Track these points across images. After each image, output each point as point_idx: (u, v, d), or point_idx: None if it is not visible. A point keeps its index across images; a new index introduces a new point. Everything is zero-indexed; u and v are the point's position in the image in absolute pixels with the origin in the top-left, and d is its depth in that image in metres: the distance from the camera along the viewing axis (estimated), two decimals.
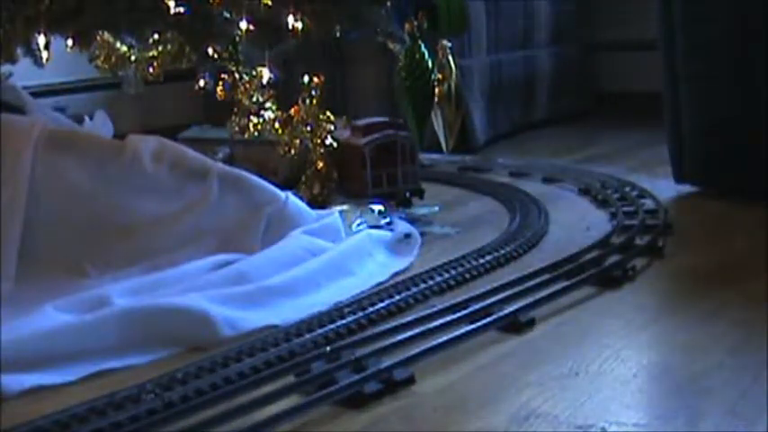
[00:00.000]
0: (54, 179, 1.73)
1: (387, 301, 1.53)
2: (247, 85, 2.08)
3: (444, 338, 1.36)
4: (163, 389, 1.19)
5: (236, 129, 2.13)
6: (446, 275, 1.66)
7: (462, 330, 1.39)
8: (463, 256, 1.77)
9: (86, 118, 2.28)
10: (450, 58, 2.07)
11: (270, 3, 1.93)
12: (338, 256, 1.70)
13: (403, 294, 1.57)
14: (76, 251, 1.70)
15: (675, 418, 1.14)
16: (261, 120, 2.10)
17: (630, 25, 3.70)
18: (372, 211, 1.98)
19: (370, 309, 1.50)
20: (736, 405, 1.16)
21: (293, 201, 1.83)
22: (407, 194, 2.16)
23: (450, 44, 2.08)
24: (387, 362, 1.26)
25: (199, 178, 1.79)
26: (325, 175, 2.13)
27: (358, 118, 2.27)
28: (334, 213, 1.90)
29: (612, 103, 3.85)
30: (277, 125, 2.10)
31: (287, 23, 1.95)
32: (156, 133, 1.88)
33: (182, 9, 1.93)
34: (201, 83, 2.17)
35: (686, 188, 2.32)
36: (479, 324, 1.41)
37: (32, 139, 1.73)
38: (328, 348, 1.32)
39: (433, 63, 2.03)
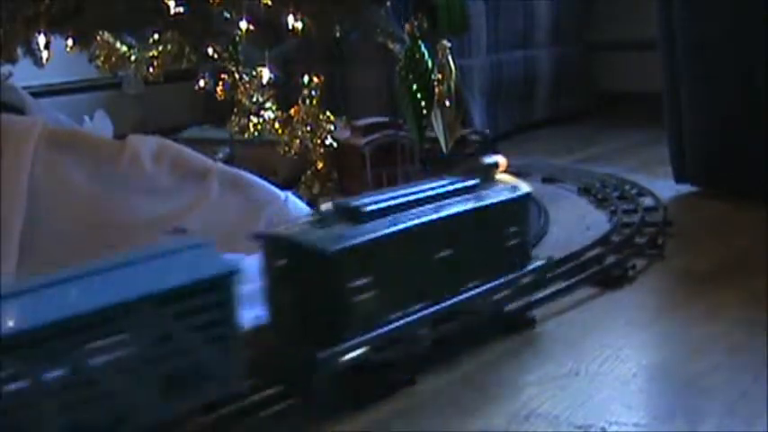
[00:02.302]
0: (54, 179, 1.73)
1: None
2: (247, 85, 2.08)
3: (445, 338, 1.36)
4: None
5: (236, 129, 2.13)
6: None
7: (462, 330, 1.39)
8: None
9: (86, 118, 2.28)
10: (450, 58, 2.07)
11: (270, 3, 1.93)
12: None
13: None
14: (76, 251, 1.70)
15: (675, 418, 1.14)
16: (261, 120, 2.10)
17: (630, 25, 3.70)
18: None
19: None
20: (735, 405, 1.16)
21: (293, 201, 1.83)
22: None
23: (450, 44, 2.08)
24: (387, 361, 1.26)
25: (199, 178, 1.79)
26: (325, 175, 2.13)
27: (358, 118, 2.27)
28: None
29: (612, 103, 3.85)
30: (277, 125, 2.10)
31: (287, 23, 1.95)
32: (156, 133, 1.88)
33: (182, 9, 1.93)
34: (201, 83, 2.17)
35: (686, 188, 2.32)
36: (479, 324, 1.41)
37: (33, 139, 1.73)
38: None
39: (433, 63, 2.03)
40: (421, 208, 1.29)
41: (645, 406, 1.19)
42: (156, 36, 2.10)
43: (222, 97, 2.12)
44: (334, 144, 2.12)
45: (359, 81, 3.19)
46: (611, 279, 1.64)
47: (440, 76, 2.05)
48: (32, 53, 2.07)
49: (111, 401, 0.95)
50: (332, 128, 2.11)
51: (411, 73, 2.01)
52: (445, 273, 1.30)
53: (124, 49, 2.16)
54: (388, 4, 2.01)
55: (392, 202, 1.27)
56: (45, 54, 2.06)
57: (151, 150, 1.79)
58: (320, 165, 2.12)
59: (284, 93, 2.15)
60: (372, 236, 1.19)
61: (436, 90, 2.05)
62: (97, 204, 1.74)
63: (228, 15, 1.96)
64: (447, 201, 1.33)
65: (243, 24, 1.95)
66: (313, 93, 2.08)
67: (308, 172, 2.14)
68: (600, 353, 1.34)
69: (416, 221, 1.26)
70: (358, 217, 1.22)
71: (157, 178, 1.77)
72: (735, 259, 1.78)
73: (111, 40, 2.15)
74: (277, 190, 1.83)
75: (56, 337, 0.91)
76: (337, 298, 1.15)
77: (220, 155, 2.30)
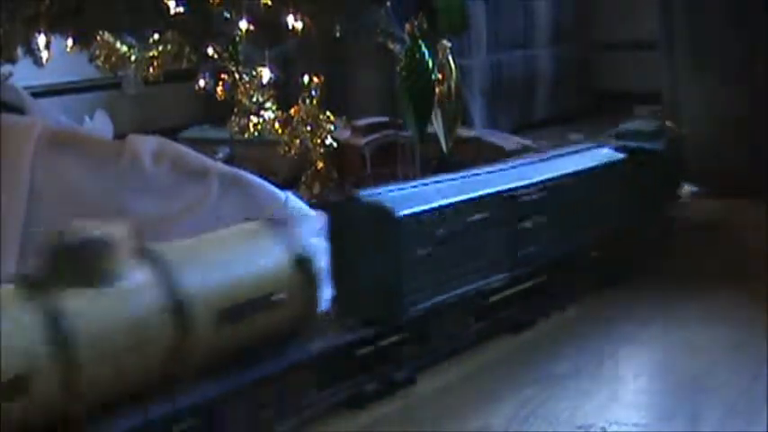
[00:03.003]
0: (54, 179, 1.73)
1: None
2: (247, 85, 2.08)
3: (445, 338, 1.36)
4: None
5: (236, 129, 2.13)
6: None
7: (463, 330, 1.39)
8: None
9: (86, 118, 2.28)
10: (450, 58, 2.07)
11: (270, 3, 1.93)
12: None
13: None
14: None
15: (675, 418, 1.14)
16: (261, 120, 2.10)
17: (630, 25, 3.70)
18: None
19: None
20: (736, 404, 1.16)
21: (293, 201, 1.83)
22: None
23: (450, 44, 2.07)
24: (387, 362, 1.26)
25: (199, 178, 1.79)
26: (325, 175, 2.13)
27: (358, 118, 2.27)
28: None
29: (612, 102, 3.85)
30: (277, 125, 2.10)
31: (287, 23, 1.95)
32: (156, 133, 1.88)
33: (182, 9, 1.93)
34: (201, 83, 2.16)
35: (686, 188, 2.31)
36: (480, 324, 1.41)
37: (33, 139, 1.73)
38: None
39: (433, 63, 2.03)
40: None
41: (645, 406, 1.19)
42: (156, 36, 2.10)
43: (222, 97, 2.12)
44: (334, 144, 2.12)
45: (359, 81, 3.19)
46: (610, 279, 1.63)
47: (440, 76, 2.05)
48: (32, 53, 2.06)
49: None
50: (332, 128, 2.11)
51: (411, 73, 2.02)
52: (661, 183, 1.86)
53: (124, 49, 2.16)
54: (388, 4, 2.01)
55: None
56: (45, 54, 2.05)
57: (151, 150, 1.79)
58: (320, 165, 2.12)
59: (284, 93, 2.15)
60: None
61: (436, 90, 2.05)
62: (97, 204, 1.74)
63: (228, 15, 1.96)
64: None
65: (243, 24, 1.95)
66: (313, 93, 2.08)
67: (308, 172, 2.14)
68: (600, 353, 1.34)
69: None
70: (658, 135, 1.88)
71: (157, 178, 1.77)
72: (735, 259, 1.78)
73: (111, 40, 2.14)
74: (277, 190, 1.83)
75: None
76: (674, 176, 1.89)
77: (220, 155, 2.30)
